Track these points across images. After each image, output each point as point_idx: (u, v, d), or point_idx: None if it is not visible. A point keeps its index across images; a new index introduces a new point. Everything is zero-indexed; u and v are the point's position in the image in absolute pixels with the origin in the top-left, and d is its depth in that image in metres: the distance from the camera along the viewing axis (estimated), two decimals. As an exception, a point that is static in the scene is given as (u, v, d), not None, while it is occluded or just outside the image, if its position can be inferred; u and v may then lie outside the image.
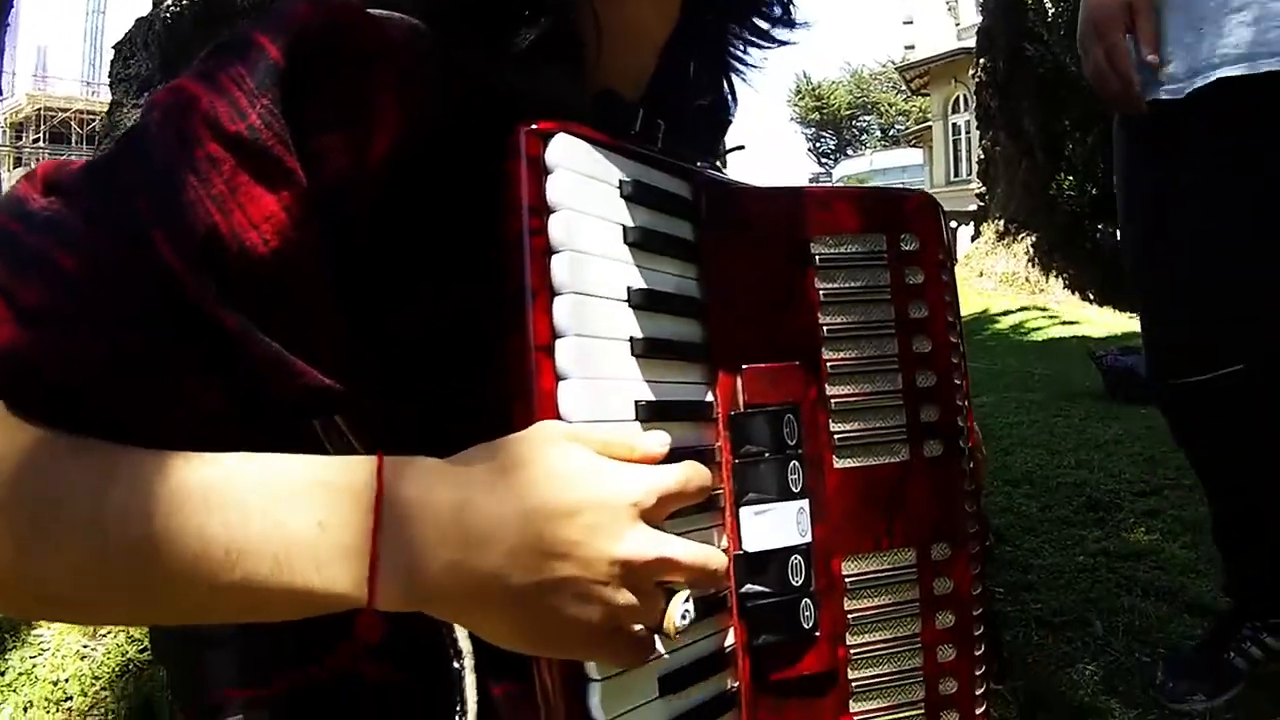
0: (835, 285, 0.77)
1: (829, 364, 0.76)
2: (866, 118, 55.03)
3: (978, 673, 0.81)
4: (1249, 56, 1.81)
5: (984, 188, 16.38)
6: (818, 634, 0.75)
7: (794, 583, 0.73)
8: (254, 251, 0.59)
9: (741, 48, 0.91)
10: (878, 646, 0.77)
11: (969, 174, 25.50)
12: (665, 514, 0.62)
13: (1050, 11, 14.05)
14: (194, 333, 0.58)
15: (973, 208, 18.23)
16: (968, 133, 26.95)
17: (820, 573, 0.75)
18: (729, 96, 0.93)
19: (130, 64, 2.43)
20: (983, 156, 16.34)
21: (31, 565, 0.55)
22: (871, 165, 47.90)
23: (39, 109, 33.38)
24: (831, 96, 53.78)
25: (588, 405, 0.62)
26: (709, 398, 0.73)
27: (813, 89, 53.95)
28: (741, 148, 0.98)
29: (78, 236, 0.58)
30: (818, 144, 55.21)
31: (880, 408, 0.78)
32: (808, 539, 0.74)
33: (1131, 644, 2.44)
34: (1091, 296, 14.41)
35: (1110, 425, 5.21)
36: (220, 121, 0.60)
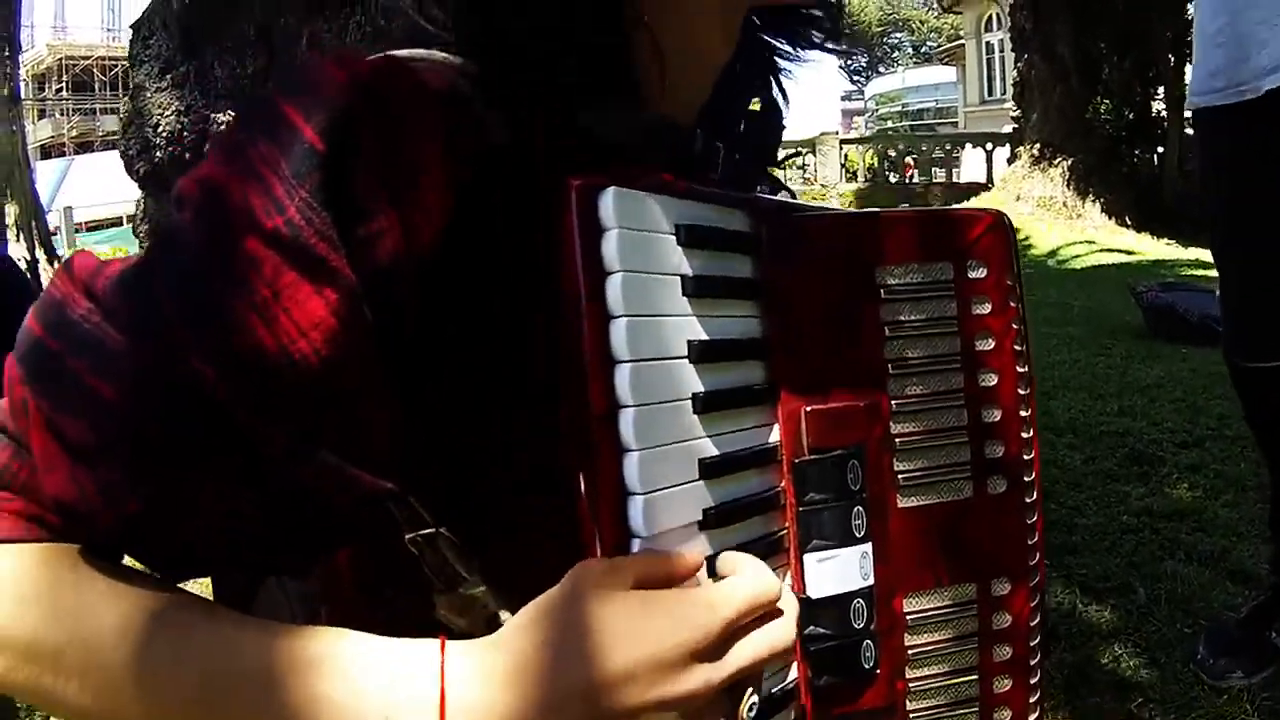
0: (901, 317, 0.74)
1: (894, 401, 0.74)
2: (898, 34, 54.46)
3: (1032, 699, 0.80)
4: None
5: (1019, 111, 16.21)
6: (879, 671, 0.73)
7: (856, 625, 0.72)
8: (304, 363, 0.57)
9: (791, 58, 0.89)
10: (936, 679, 0.77)
11: (1003, 93, 25.24)
12: (730, 643, 0.60)
13: (1087, -69, 13.83)
14: (243, 460, 0.57)
15: (1008, 129, 18.09)
16: (1001, 52, 26.63)
17: (882, 611, 0.74)
18: (780, 101, 0.90)
19: (150, 44, 2.41)
20: (1017, 79, 16.15)
21: (108, 715, 0.59)
22: (904, 83, 47.46)
23: (60, 59, 33.48)
24: (861, 12, 53.20)
25: (651, 475, 0.61)
26: (773, 439, 0.71)
27: (843, 4, 53.33)
28: (796, 153, 0.95)
29: (118, 362, 0.57)
30: (849, 60, 54.77)
31: (945, 445, 0.76)
32: (870, 582, 0.72)
33: (1174, 613, 2.46)
34: (1129, 221, 14.30)
35: (1152, 367, 5.21)
36: (256, 216, 0.57)
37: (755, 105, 0.90)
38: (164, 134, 2.46)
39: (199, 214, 0.59)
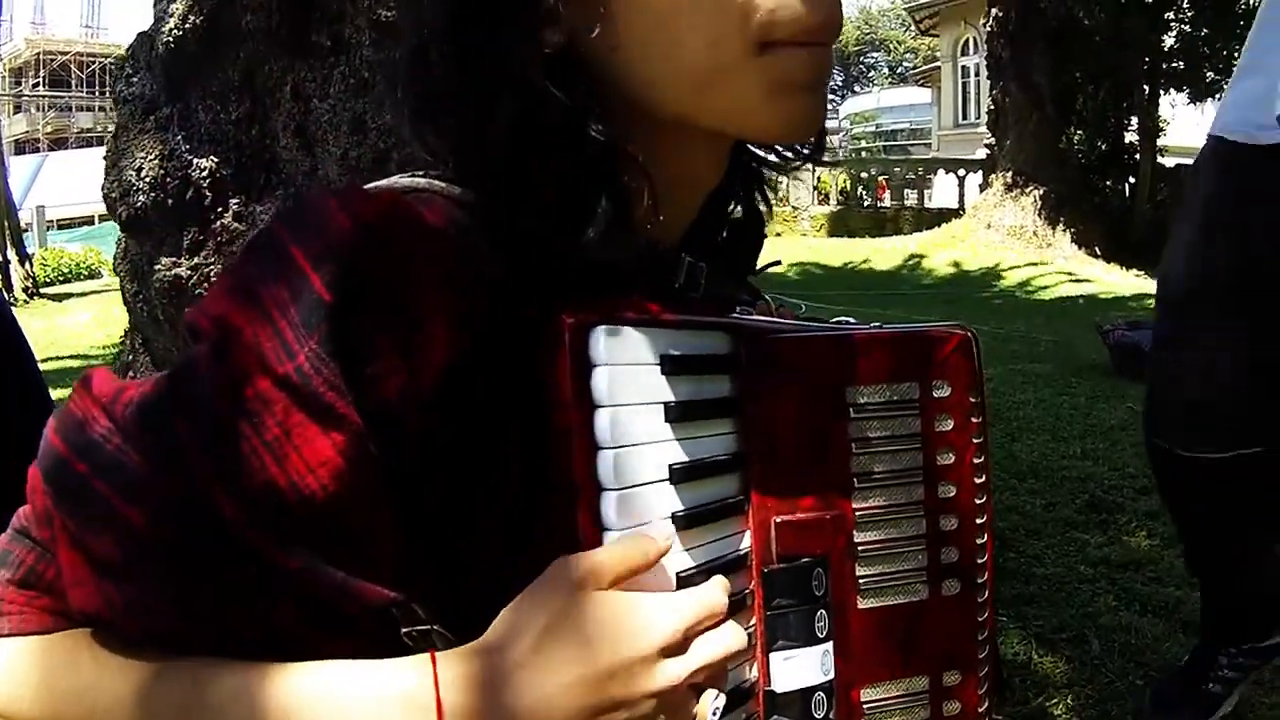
0: (868, 434, 0.79)
1: (858, 512, 0.79)
2: (874, 54, 54.54)
3: (981, 783, 0.85)
4: None
5: (993, 137, 16.29)
6: (839, 756, 0.78)
7: (816, 716, 0.77)
8: (313, 498, 0.61)
9: (775, 169, 0.92)
10: (891, 761, 0.81)
11: (977, 118, 25.32)
12: (693, 640, 0.66)
13: (1065, -38, 13.92)
14: (257, 573, 0.61)
15: (980, 154, 18.15)
16: (976, 76, 26.69)
17: (841, 701, 0.79)
18: (761, 210, 0.94)
19: (133, 83, 2.39)
20: (992, 107, 16.24)
21: None
22: (879, 103, 47.49)
23: (38, 53, 33.08)
24: (839, 32, 53.13)
25: (635, 587, 0.66)
26: (744, 547, 0.76)
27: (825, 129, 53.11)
28: (777, 263, 0.99)
29: (140, 488, 0.61)
30: (821, 135, 54.41)
31: (904, 552, 0.81)
32: (830, 676, 0.77)
33: (1126, 665, 2.51)
34: (1099, 251, 14.39)
35: (1116, 407, 5.26)
36: (268, 360, 0.61)
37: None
38: (146, 179, 2.44)
39: (215, 350, 0.62)
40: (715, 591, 0.68)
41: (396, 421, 0.64)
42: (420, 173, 0.75)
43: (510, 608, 0.65)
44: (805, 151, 0.89)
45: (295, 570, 0.61)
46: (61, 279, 19.46)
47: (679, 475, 0.70)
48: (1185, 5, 14.40)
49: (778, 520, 0.76)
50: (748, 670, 0.76)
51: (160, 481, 0.61)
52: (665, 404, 0.70)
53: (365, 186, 0.70)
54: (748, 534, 0.76)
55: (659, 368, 0.70)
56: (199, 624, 0.63)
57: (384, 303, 0.64)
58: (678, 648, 0.64)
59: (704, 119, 0.74)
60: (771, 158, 0.91)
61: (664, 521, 0.69)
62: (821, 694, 0.77)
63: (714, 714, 0.67)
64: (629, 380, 0.67)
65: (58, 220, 25.66)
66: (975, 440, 0.83)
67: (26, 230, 19.89)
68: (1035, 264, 13.12)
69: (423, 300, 0.65)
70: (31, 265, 17.01)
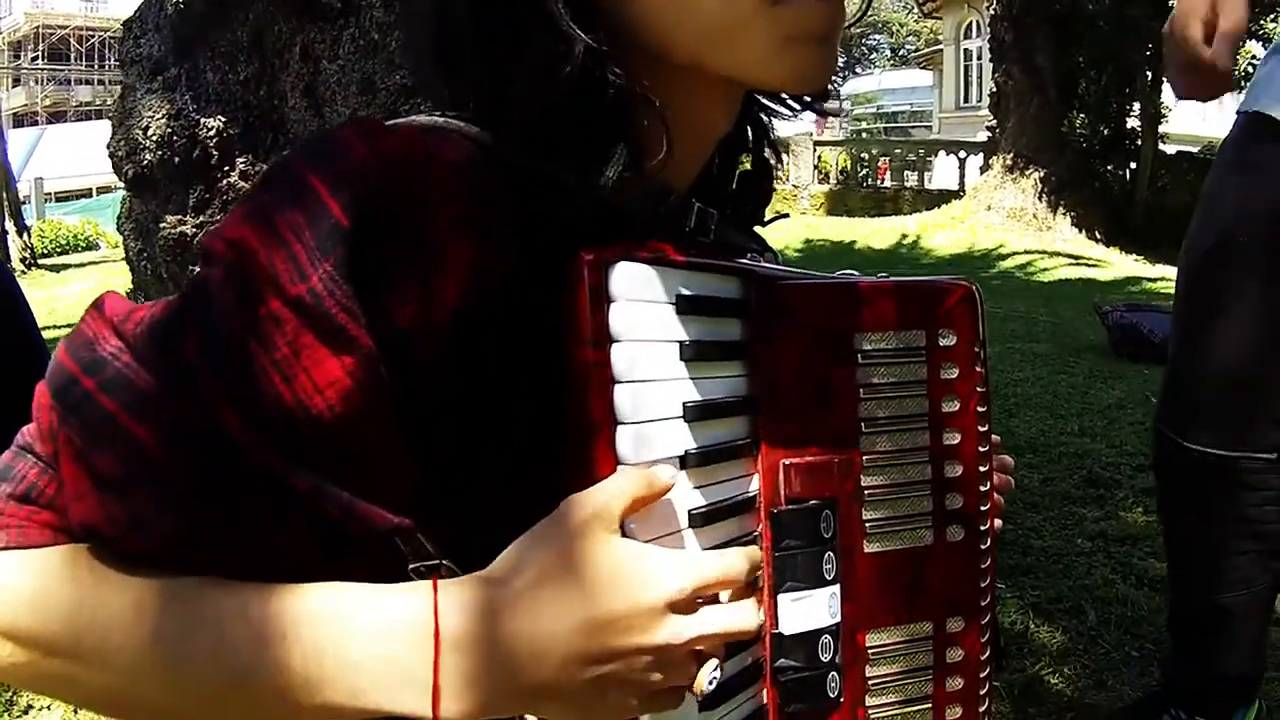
0: (874, 380, 0.80)
1: (865, 457, 0.80)
2: (876, 36, 54.38)
3: (980, 726, 0.87)
4: None
5: (994, 120, 16.23)
6: (842, 700, 0.80)
7: (823, 659, 0.78)
8: (320, 417, 0.62)
9: (783, 116, 0.93)
10: (893, 707, 0.83)
11: (979, 100, 25.24)
12: (699, 600, 0.67)
13: (1068, -54, 13.87)
14: (266, 494, 0.62)
15: (982, 137, 18.10)
16: (979, 59, 26.60)
17: (847, 645, 0.80)
18: (770, 161, 0.95)
19: (141, 43, 2.38)
20: (994, 89, 16.17)
21: (128, 693, 0.64)
22: (880, 85, 47.34)
23: (37, 27, 32.93)
24: (841, 13, 52.90)
25: (646, 527, 0.68)
26: (753, 489, 0.77)
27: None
28: (784, 216, 1.00)
29: (148, 404, 0.62)
30: (831, 86, 54.27)
31: (909, 497, 0.82)
32: (838, 620, 0.79)
33: (1123, 636, 2.52)
34: (1099, 235, 14.37)
35: (1113, 387, 5.27)
36: (281, 281, 0.61)
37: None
38: (153, 137, 2.44)
39: (229, 272, 0.62)
40: (736, 560, 0.70)
41: (409, 352, 0.64)
42: (439, 113, 0.75)
43: (517, 543, 0.66)
44: (814, 103, 0.90)
45: (303, 491, 0.62)
46: (59, 250, 19.43)
47: (692, 413, 0.71)
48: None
49: (786, 463, 0.77)
50: (755, 611, 0.77)
51: (168, 399, 0.62)
52: (680, 343, 0.71)
53: (385, 122, 0.71)
54: (757, 476, 0.77)
55: (674, 307, 0.71)
56: (201, 543, 0.63)
57: (401, 233, 0.64)
58: (685, 606, 0.65)
59: (717, 67, 0.74)
60: (781, 109, 0.92)
61: (670, 462, 0.70)
62: (828, 637, 0.78)
63: (710, 684, 0.68)
64: (645, 317, 0.69)
65: (55, 193, 25.57)
66: (979, 389, 0.85)
67: (25, 202, 19.84)
68: (1034, 251, 13.09)
69: (440, 235, 0.65)
70: (29, 237, 16.98)
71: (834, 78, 0.79)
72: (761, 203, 0.96)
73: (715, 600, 0.69)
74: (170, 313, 0.65)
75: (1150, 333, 6.18)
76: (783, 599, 0.77)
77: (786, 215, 1.02)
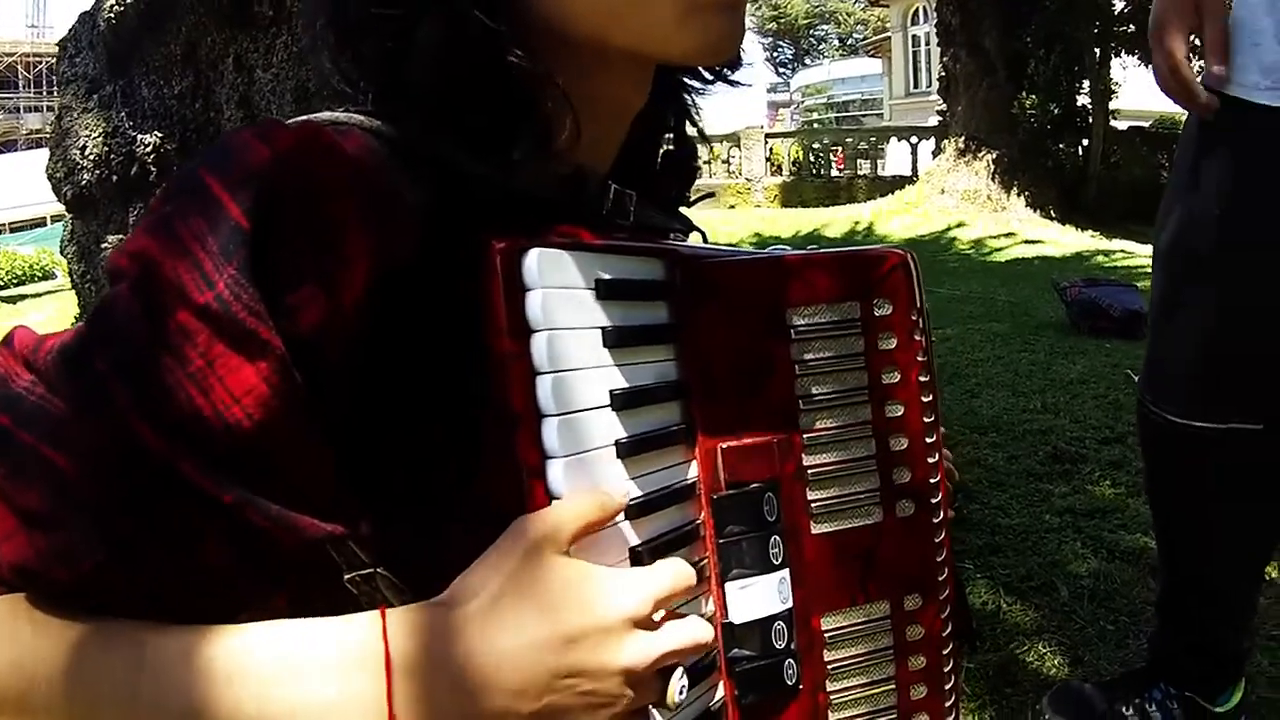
0: (810, 356, 0.78)
1: (805, 435, 0.78)
2: (824, 27, 54.72)
3: (947, 704, 0.86)
4: None
5: (945, 104, 16.35)
6: (801, 686, 0.78)
7: (777, 646, 0.76)
8: (238, 427, 0.60)
9: (700, 92, 0.91)
10: (855, 690, 0.81)
11: (928, 86, 25.43)
12: (657, 615, 0.65)
13: (1012, -76, 13.97)
14: (193, 511, 0.60)
15: (933, 121, 18.23)
16: (927, 44, 26.82)
17: (801, 630, 0.78)
18: (692, 138, 0.93)
19: (76, 62, 2.36)
20: (943, 74, 16.28)
21: None
22: (830, 74, 47.72)
23: (-17, 55, 32.62)
24: (788, 5, 53.37)
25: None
26: (691, 476, 0.75)
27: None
28: (709, 195, 0.98)
29: (65, 431, 0.59)
30: (775, 53, 54.92)
31: (855, 474, 0.80)
32: (789, 605, 0.77)
33: (1097, 610, 2.52)
34: (1053, 214, 14.49)
35: (1075, 362, 5.30)
36: (187, 291, 0.59)
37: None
38: (91, 156, 2.41)
39: (135, 287, 0.61)
40: (683, 566, 0.68)
41: (319, 352, 0.62)
42: (340, 109, 0.73)
43: (466, 571, 0.63)
44: (725, 73, 0.89)
45: (228, 504, 0.60)
46: (15, 281, 19.29)
47: (620, 401, 0.69)
48: (1134, -33, 14.47)
49: (724, 446, 0.75)
50: (704, 603, 0.75)
51: (85, 422, 0.59)
52: (602, 328, 0.69)
53: (285, 121, 0.68)
54: (694, 463, 0.75)
55: (593, 292, 0.69)
56: (131, 569, 0.60)
57: (303, 230, 0.62)
58: (645, 623, 0.63)
59: (620, 41, 0.73)
60: (694, 82, 0.90)
61: (613, 463, 0.68)
62: (781, 623, 0.76)
63: (680, 694, 0.66)
64: (564, 303, 0.66)
65: (9, 223, 25.36)
66: (920, 359, 0.82)
67: (-23, 235, 19.68)
68: (989, 228, 13.19)
69: (340, 229, 0.63)
70: (-16, 268, 16.84)
71: (784, 71, 0.77)
72: (686, 182, 0.94)
73: (672, 614, 0.67)
74: (79, 336, 0.62)
75: (1109, 307, 6.23)
76: (730, 587, 0.75)
77: (712, 194, 1.00)
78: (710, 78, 0.89)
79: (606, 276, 0.69)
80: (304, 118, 0.71)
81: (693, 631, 0.67)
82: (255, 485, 0.60)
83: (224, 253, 0.60)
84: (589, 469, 0.66)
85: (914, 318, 0.82)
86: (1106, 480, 3.51)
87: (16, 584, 0.62)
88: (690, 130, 0.92)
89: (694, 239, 0.91)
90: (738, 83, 0.90)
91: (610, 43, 0.73)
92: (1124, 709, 2.10)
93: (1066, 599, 2.61)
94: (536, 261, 0.65)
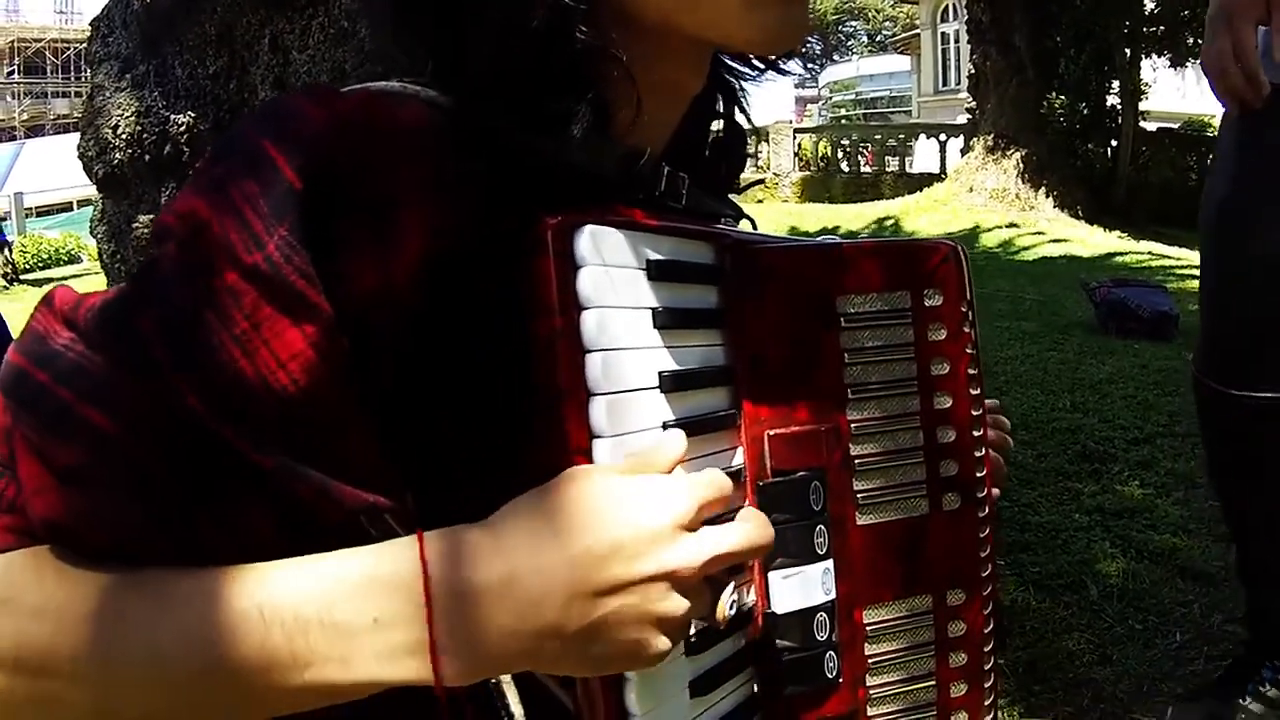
0: (860, 344, 0.77)
1: (853, 424, 0.77)
2: (853, 23, 54.57)
3: (986, 703, 0.84)
4: None
5: (974, 102, 16.27)
6: (841, 680, 0.77)
7: (819, 638, 0.75)
8: (283, 392, 0.59)
9: (751, 79, 0.90)
10: (895, 686, 0.80)
11: (957, 84, 25.31)
12: (703, 519, 0.63)
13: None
14: (233, 476, 0.59)
15: (961, 119, 18.14)
16: (956, 42, 26.70)
17: (843, 622, 0.77)
18: (742, 126, 0.92)
19: (109, 42, 2.36)
20: (973, 71, 16.21)
21: (109, 704, 0.59)
22: (859, 71, 47.57)
23: (12, 41, 32.84)
24: (818, 1, 53.20)
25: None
26: (737, 462, 0.74)
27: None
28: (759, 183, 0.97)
29: (105, 390, 0.58)
30: (803, 48, 54.72)
31: (902, 465, 0.79)
32: (832, 596, 0.76)
33: (1125, 609, 2.50)
34: (1081, 213, 14.42)
35: (1104, 362, 5.27)
36: (236, 251, 0.59)
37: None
38: (123, 135, 2.41)
39: (181, 247, 0.60)
40: (719, 476, 0.65)
41: (368, 321, 0.61)
42: (396, 80, 0.72)
43: (515, 500, 0.62)
44: (779, 63, 0.88)
45: (270, 470, 0.59)
46: (41, 265, 19.42)
47: (669, 383, 0.68)
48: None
49: (771, 434, 0.74)
50: (747, 593, 0.74)
51: (125, 382, 0.58)
52: (653, 309, 0.68)
53: (339, 88, 0.68)
54: (740, 450, 0.74)
55: (645, 273, 0.68)
56: (167, 532, 0.59)
57: (357, 196, 0.61)
58: (692, 525, 0.61)
59: (687, 26, 0.72)
60: (747, 70, 0.89)
61: (657, 432, 0.66)
62: (824, 614, 0.75)
63: (731, 607, 0.64)
64: (615, 282, 0.65)
65: (36, 207, 25.53)
66: (969, 351, 0.81)
67: (5, 218, 19.84)
68: (1017, 225, 13.12)
69: (396, 198, 0.62)
70: (11, 252, 16.97)
71: (812, 66, 0.76)
72: (736, 169, 0.93)
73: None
74: (123, 294, 0.61)
75: (1138, 307, 6.19)
76: (774, 576, 0.74)
77: (761, 181, 0.99)
78: (762, 66, 0.88)
79: (658, 257, 0.68)
80: (359, 85, 0.70)
81: (743, 530, 0.64)
82: (298, 453, 0.59)
83: (275, 214, 0.59)
84: (635, 451, 0.65)
85: (963, 309, 0.81)
86: (1135, 480, 3.48)
87: (44, 538, 0.60)
88: (739, 118, 0.91)
89: (743, 226, 0.90)
90: (788, 72, 0.89)
91: (676, 27, 0.72)
92: (1243, 700, 2.05)
93: (1095, 598, 2.59)
94: (590, 239, 0.63)
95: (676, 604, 0.60)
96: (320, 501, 0.60)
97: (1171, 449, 3.78)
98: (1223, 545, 2.70)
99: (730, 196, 0.94)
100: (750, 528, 0.65)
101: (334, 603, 0.58)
